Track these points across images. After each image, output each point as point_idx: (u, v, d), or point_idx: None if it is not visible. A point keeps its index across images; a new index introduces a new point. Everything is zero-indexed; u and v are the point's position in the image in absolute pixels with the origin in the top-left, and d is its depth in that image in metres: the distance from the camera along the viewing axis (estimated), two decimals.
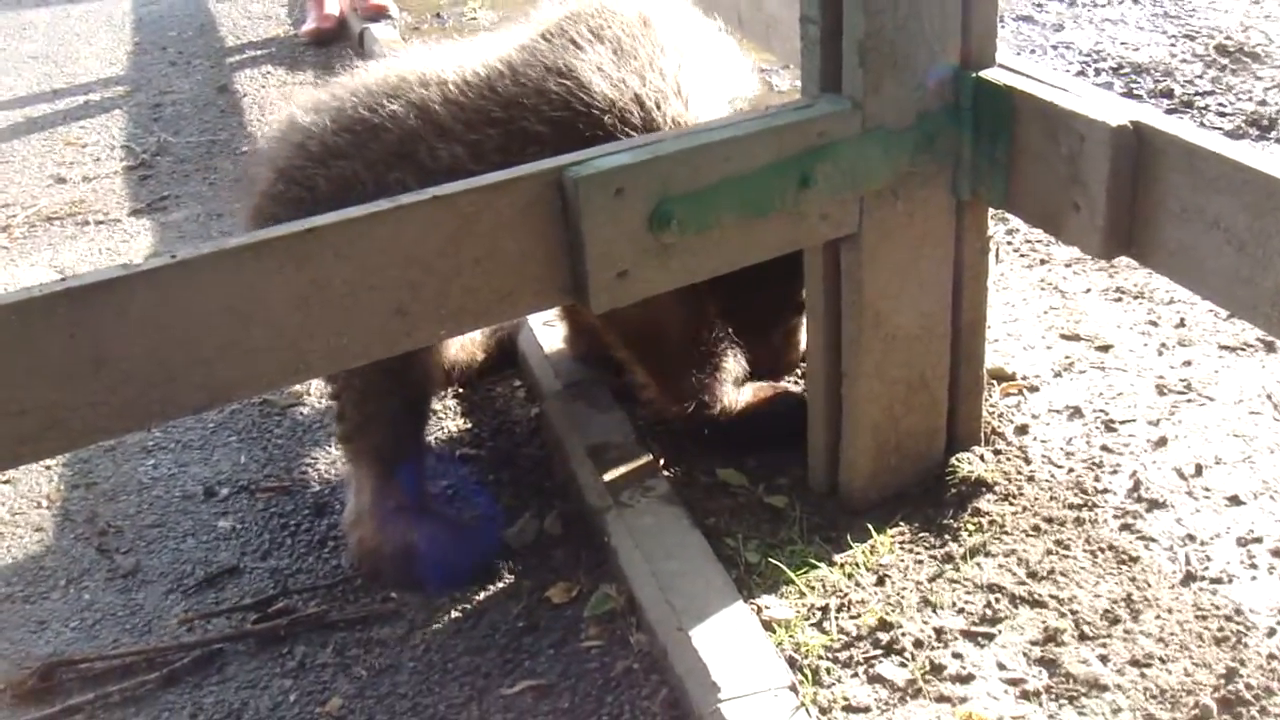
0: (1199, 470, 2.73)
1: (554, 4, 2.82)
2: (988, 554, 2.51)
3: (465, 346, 3.32)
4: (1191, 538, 2.54)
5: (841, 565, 2.51)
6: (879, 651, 2.30)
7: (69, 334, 1.82)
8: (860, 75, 2.29)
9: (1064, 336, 3.27)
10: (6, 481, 3.28)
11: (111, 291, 1.84)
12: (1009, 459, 2.77)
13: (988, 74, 2.37)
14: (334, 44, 6.83)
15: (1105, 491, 2.68)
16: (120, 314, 1.85)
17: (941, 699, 2.20)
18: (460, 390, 3.46)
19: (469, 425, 3.33)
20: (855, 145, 2.32)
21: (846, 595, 2.43)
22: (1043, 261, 3.68)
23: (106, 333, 1.85)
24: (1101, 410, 2.94)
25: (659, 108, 2.54)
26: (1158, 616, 2.34)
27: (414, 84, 2.64)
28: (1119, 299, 3.43)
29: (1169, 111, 4.68)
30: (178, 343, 1.90)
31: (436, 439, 3.25)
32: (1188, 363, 3.11)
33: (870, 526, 2.59)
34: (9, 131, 6.07)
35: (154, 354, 1.89)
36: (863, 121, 2.32)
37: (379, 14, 6.72)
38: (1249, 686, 2.18)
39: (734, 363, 2.89)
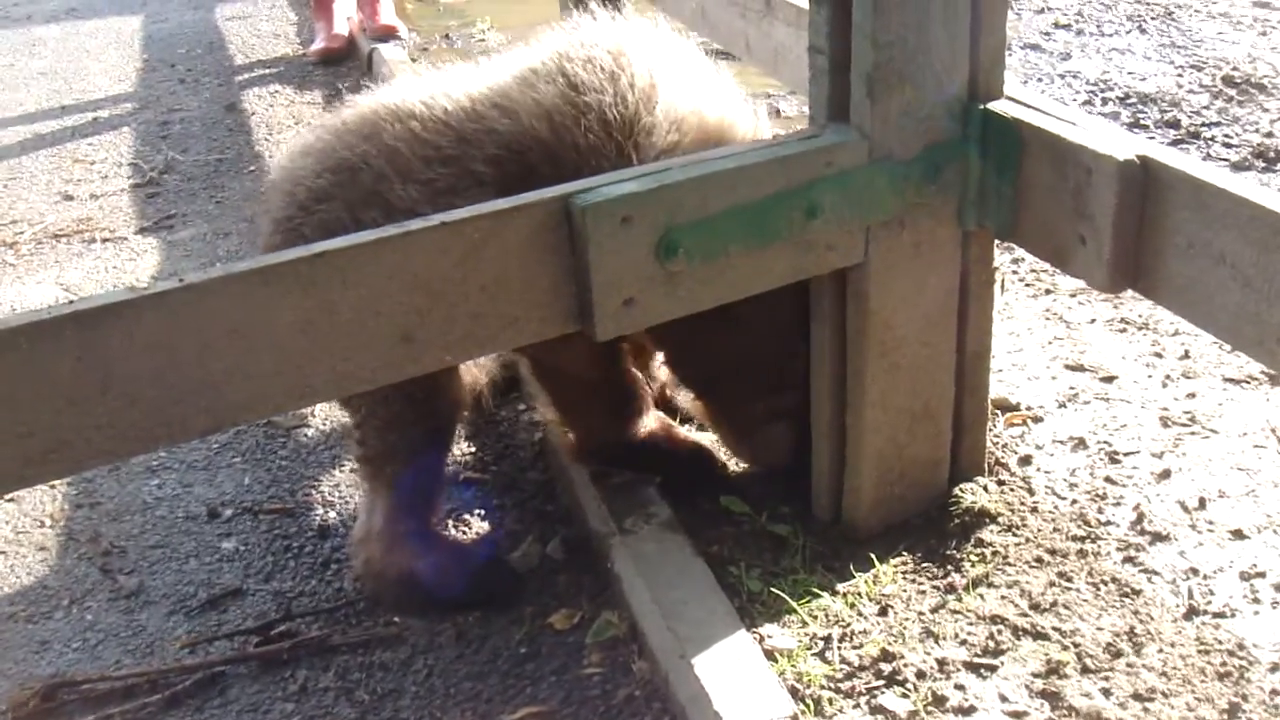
0: (1202, 503, 2.73)
1: (552, 33, 2.78)
2: (990, 585, 2.51)
3: (470, 369, 3.32)
4: (1194, 571, 2.54)
5: (844, 595, 2.51)
6: (881, 682, 2.30)
7: (76, 356, 1.83)
8: (868, 106, 2.30)
9: (1068, 367, 3.27)
10: (10, 500, 3.28)
11: (119, 315, 1.84)
12: (1012, 490, 2.77)
13: (995, 106, 2.37)
14: (342, 64, 6.85)
15: (1108, 523, 2.68)
16: (128, 337, 1.85)
17: None
18: (465, 413, 3.45)
19: (473, 449, 3.33)
20: (862, 175, 2.32)
21: (849, 625, 2.43)
22: (1048, 291, 3.68)
23: (114, 356, 1.85)
24: (1105, 442, 2.94)
25: (590, 162, 2.47)
26: (1160, 650, 2.34)
27: (388, 121, 2.63)
28: (1123, 330, 3.43)
29: (1175, 142, 4.69)
30: (185, 366, 1.90)
31: None
32: (1192, 395, 3.11)
33: (873, 556, 2.59)
34: (18, 148, 6.09)
35: (161, 377, 1.89)
36: (870, 151, 2.32)
37: (388, 35, 6.74)
38: None
39: (644, 411, 2.93)
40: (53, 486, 3.32)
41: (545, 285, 2.14)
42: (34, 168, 5.82)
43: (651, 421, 2.96)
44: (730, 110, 2.63)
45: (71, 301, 1.85)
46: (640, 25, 2.72)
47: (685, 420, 3.16)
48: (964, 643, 2.37)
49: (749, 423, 2.81)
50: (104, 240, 4.95)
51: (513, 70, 2.67)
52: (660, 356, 2.95)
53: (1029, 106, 2.36)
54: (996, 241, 2.58)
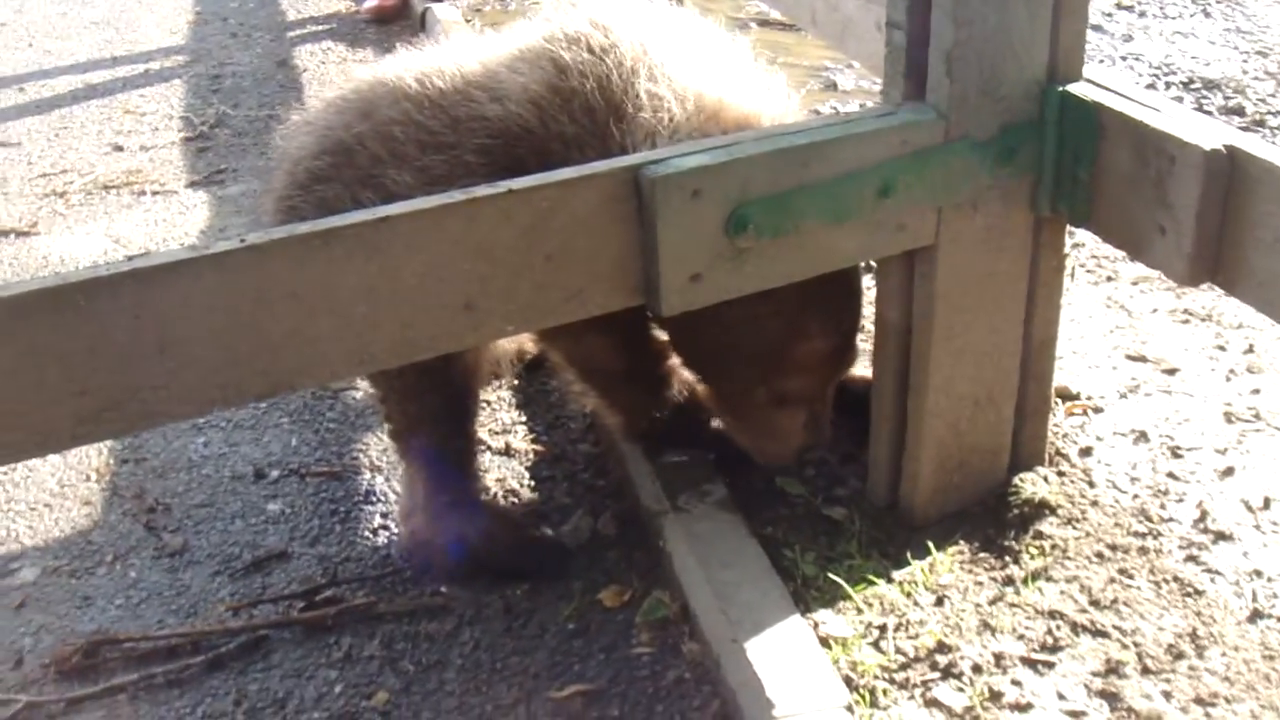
0: (1267, 503, 2.67)
1: (548, 8, 2.70)
2: (1049, 579, 2.46)
3: (520, 338, 3.28)
4: (1259, 573, 2.48)
5: (900, 583, 2.46)
6: (936, 674, 2.25)
7: (134, 315, 1.80)
8: (946, 85, 2.24)
9: (1130, 357, 3.21)
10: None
11: (179, 274, 1.82)
12: (1073, 481, 2.71)
13: (1074, 88, 2.31)
14: (395, 22, 6.81)
15: (1170, 520, 2.62)
16: (187, 297, 1.82)
17: None
18: (515, 383, 3.42)
19: (523, 418, 3.30)
20: (938, 155, 2.27)
21: (905, 614, 2.38)
22: (1109, 278, 3.61)
23: (172, 315, 1.82)
24: (1167, 435, 2.88)
25: (572, 151, 2.41)
26: (1223, 654, 2.29)
27: (384, 101, 2.60)
28: (1186, 321, 3.37)
29: (1239, 130, 4.60)
30: (243, 328, 1.87)
31: (490, 431, 3.22)
32: (1256, 390, 3.05)
33: (930, 544, 2.54)
34: (69, 97, 6.08)
35: (218, 339, 1.86)
36: (946, 131, 2.26)
37: None
38: None
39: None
40: None
41: (611, 257, 2.10)
42: (85, 117, 5.80)
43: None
44: (737, 87, 2.53)
45: (131, 259, 1.82)
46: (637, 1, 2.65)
47: None
48: (1021, 637, 2.33)
49: (751, 409, 2.68)
50: (154, 193, 4.93)
51: (506, 49, 2.62)
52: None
53: (1109, 90, 2.30)
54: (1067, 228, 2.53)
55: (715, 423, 2.87)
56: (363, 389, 3.46)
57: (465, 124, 2.51)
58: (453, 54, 2.68)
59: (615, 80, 2.44)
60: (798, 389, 2.63)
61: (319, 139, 2.65)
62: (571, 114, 2.44)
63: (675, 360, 2.83)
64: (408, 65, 2.67)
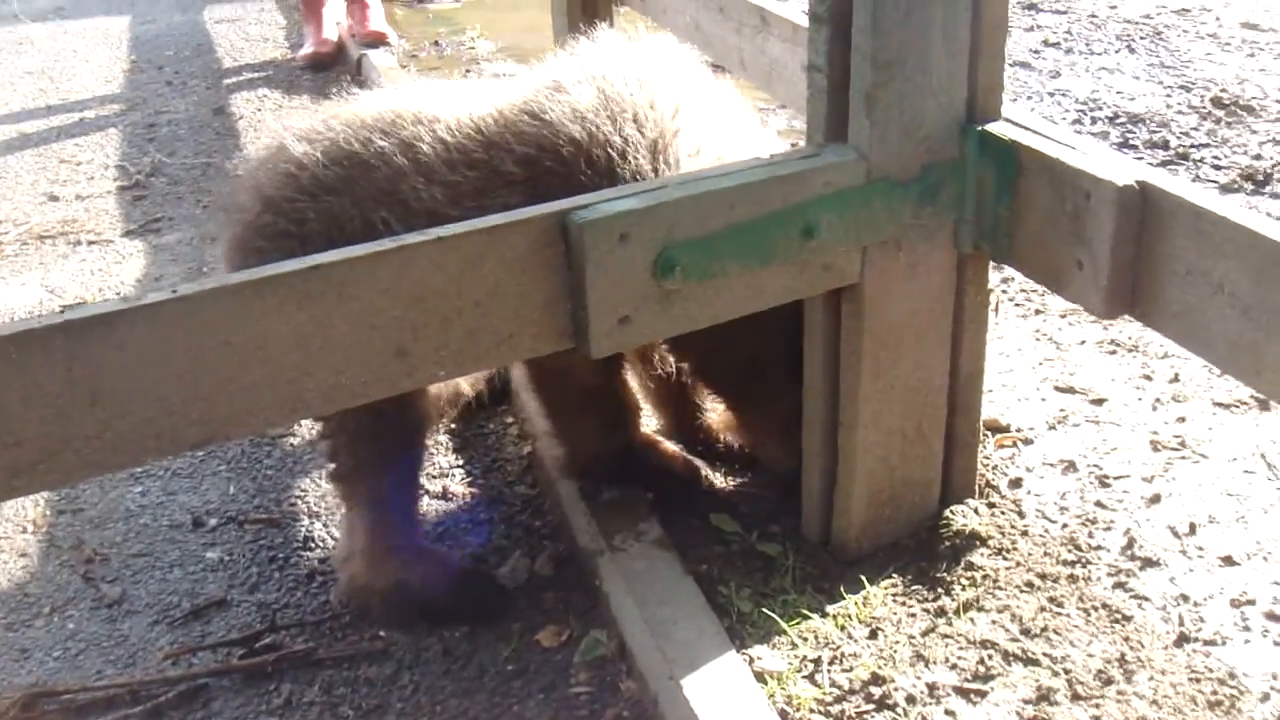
0: (1192, 529, 2.72)
1: (570, 49, 2.77)
2: (981, 609, 2.49)
3: (455, 381, 3.30)
4: (1185, 598, 2.53)
5: (834, 616, 2.49)
6: (871, 706, 2.28)
7: (67, 367, 1.81)
8: (867, 126, 2.29)
9: (1058, 389, 3.27)
10: None
11: (111, 326, 1.83)
12: (1003, 512, 2.76)
13: (993, 128, 2.36)
14: (331, 69, 6.83)
15: (1099, 548, 2.67)
16: (119, 348, 1.83)
17: None
18: (452, 426, 3.44)
19: (460, 461, 3.31)
20: (860, 196, 2.31)
21: (839, 647, 2.41)
22: (1038, 312, 3.68)
23: (105, 367, 1.83)
24: (1095, 465, 2.94)
25: (625, 158, 2.47)
26: (1151, 678, 2.33)
27: (408, 121, 2.60)
28: (1113, 352, 3.43)
29: (1164, 163, 4.70)
30: (176, 378, 1.89)
31: (427, 475, 3.23)
32: (1181, 419, 3.11)
33: (863, 577, 2.58)
34: (3, 146, 6.06)
35: (151, 389, 1.87)
36: (868, 172, 2.31)
37: (377, 41, 6.73)
38: None
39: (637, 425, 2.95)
40: None
41: (540, 301, 2.13)
42: (19, 167, 5.78)
43: (641, 436, 2.95)
44: (737, 121, 2.66)
45: (62, 311, 1.84)
46: (656, 40, 2.74)
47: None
48: (954, 667, 2.36)
49: (785, 417, 2.75)
50: (90, 242, 4.92)
51: (537, 83, 2.66)
52: (676, 365, 2.92)
53: (1026, 129, 2.36)
54: (991, 263, 2.58)
55: (653, 459, 2.93)
56: (300, 435, 3.47)
57: (502, 141, 2.54)
58: (473, 89, 2.76)
59: (658, 103, 2.54)
60: None
61: (328, 149, 2.61)
62: (621, 127, 2.49)
63: (641, 400, 2.89)
64: (426, 95, 2.72)
